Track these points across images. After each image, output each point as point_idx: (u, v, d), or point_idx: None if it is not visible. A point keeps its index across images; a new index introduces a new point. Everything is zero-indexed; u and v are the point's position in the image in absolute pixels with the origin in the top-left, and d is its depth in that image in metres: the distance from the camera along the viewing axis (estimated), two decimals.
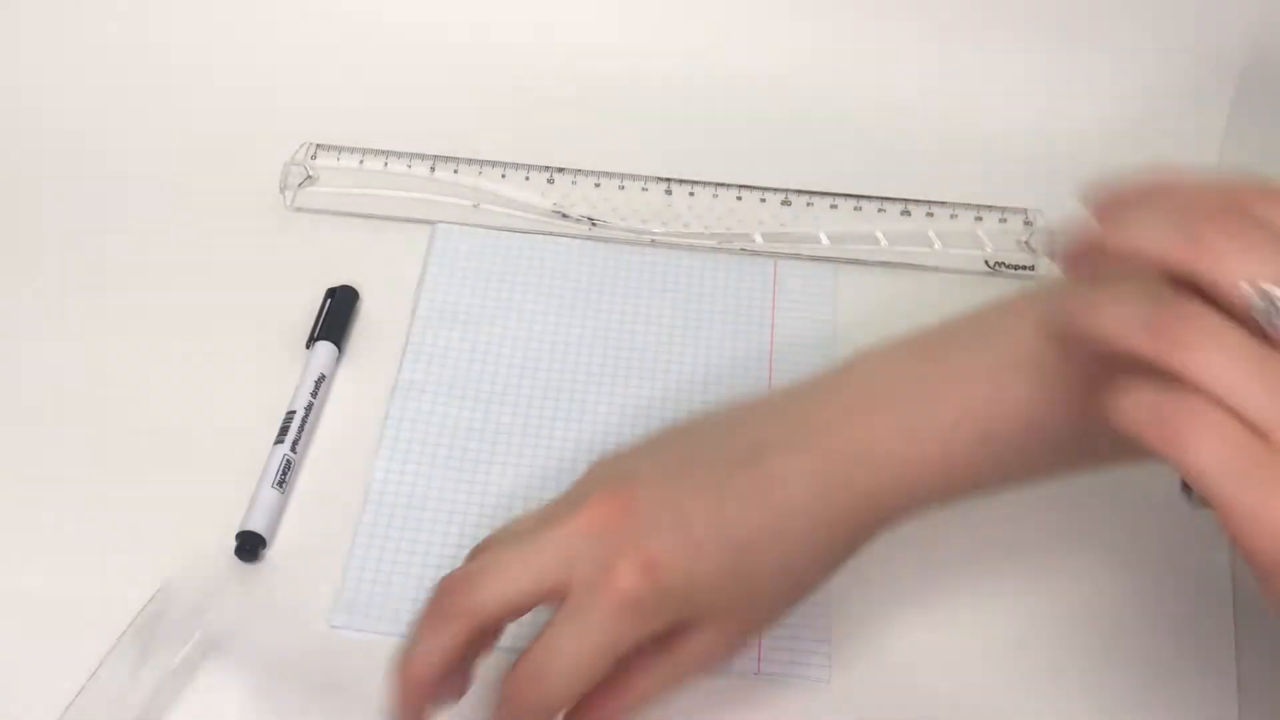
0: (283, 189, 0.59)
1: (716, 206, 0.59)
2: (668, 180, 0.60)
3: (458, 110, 0.63)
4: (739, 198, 0.60)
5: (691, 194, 0.60)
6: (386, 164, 0.60)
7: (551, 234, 0.59)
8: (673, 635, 0.40)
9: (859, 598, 0.49)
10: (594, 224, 0.59)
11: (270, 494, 0.50)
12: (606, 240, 0.59)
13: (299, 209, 0.59)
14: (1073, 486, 0.51)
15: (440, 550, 0.50)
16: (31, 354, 0.55)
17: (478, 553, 0.42)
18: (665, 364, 0.55)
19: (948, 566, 0.50)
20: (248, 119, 0.62)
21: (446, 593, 0.40)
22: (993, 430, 0.39)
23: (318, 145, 0.60)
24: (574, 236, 0.59)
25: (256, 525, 0.49)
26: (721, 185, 0.60)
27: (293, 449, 0.51)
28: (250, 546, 0.49)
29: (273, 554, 0.49)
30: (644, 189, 0.60)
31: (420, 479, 0.52)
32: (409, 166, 0.60)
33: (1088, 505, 0.51)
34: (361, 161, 0.60)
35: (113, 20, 0.65)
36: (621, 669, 0.40)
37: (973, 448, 0.40)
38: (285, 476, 0.51)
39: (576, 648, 0.38)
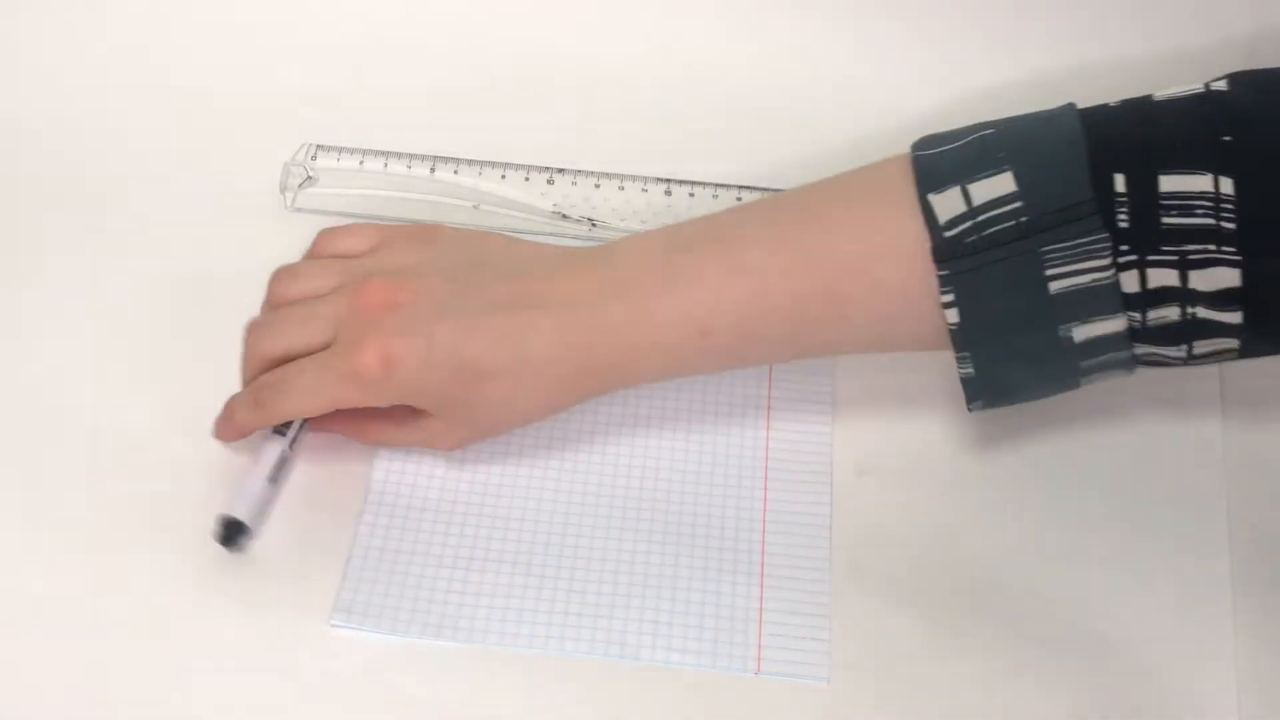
0: (283, 190, 0.59)
1: (717, 207, 0.59)
2: (667, 181, 0.60)
3: (458, 111, 0.63)
4: (739, 198, 0.60)
5: (691, 194, 0.60)
6: (386, 165, 0.60)
7: (552, 234, 0.59)
8: (407, 410, 0.49)
9: (858, 599, 0.49)
10: (594, 225, 0.59)
11: (260, 484, 0.50)
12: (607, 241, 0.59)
13: (299, 209, 0.59)
14: (1072, 489, 0.52)
15: (440, 550, 0.50)
16: (31, 353, 0.54)
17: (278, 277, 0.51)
18: None
19: (947, 567, 0.50)
20: (248, 120, 0.62)
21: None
22: (710, 327, 0.46)
23: (318, 146, 0.60)
24: (574, 237, 0.59)
25: (240, 513, 0.49)
26: (722, 186, 0.60)
27: (290, 447, 0.51)
28: (232, 535, 0.48)
29: (272, 554, 0.49)
30: (644, 189, 0.60)
31: (420, 478, 0.52)
32: (409, 167, 0.60)
33: (1088, 506, 0.52)
34: (361, 162, 0.60)
35: (113, 21, 0.65)
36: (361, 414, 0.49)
37: (691, 341, 0.47)
38: (279, 474, 0.50)
39: (309, 388, 0.48)
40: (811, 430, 0.53)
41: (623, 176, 0.60)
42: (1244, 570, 0.49)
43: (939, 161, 0.45)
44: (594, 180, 0.60)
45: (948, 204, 0.44)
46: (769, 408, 0.54)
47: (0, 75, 0.63)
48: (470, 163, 0.60)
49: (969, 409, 0.48)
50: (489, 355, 0.47)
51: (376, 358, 0.46)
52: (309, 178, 0.59)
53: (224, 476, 0.51)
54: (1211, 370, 0.54)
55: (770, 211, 0.48)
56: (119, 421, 0.53)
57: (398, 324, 0.47)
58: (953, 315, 0.44)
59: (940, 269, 0.44)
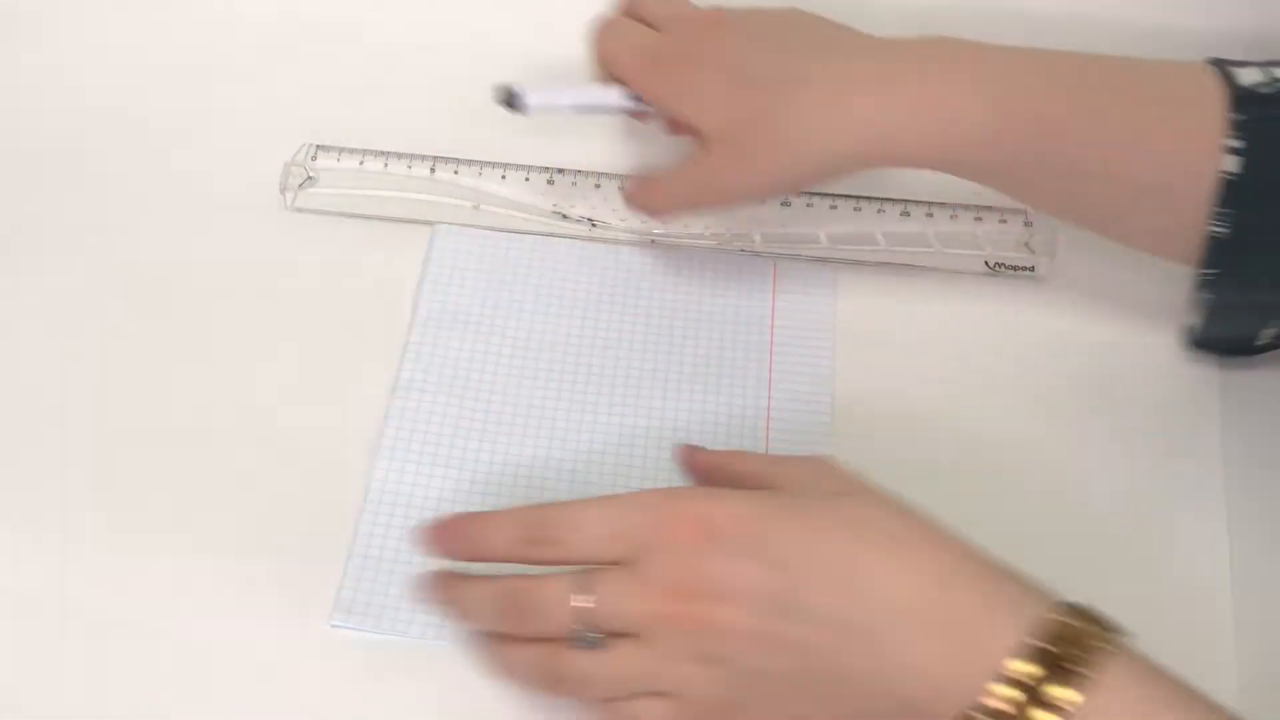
0: (283, 190, 0.59)
1: None
2: None
3: (459, 112, 0.62)
4: None
5: None
6: (387, 165, 0.60)
7: (552, 235, 0.59)
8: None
9: None
10: (594, 225, 0.59)
11: (572, 95, 0.55)
12: (607, 241, 0.59)
13: (299, 210, 0.59)
14: (1072, 489, 0.52)
15: None
16: (30, 353, 0.55)
17: None
18: (665, 364, 0.55)
19: None
20: (248, 120, 0.62)
21: None
22: (1002, 99, 0.47)
23: (318, 146, 0.60)
24: (574, 237, 0.59)
25: (530, 88, 0.54)
26: None
27: (623, 101, 0.54)
28: (512, 100, 0.54)
29: (272, 554, 0.50)
30: None
31: (420, 479, 0.52)
32: (409, 167, 0.60)
33: (1087, 505, 0.51)
34: (362, 162, 0.60)
35: (113, 21, 0.65)
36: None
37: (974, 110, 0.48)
38: (590, 105, 0.55)
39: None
40: (812, 431, 0.53)
41: (624, 176, 0.60)
42: (1244, 570, 0.49)
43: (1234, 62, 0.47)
44: (594, 180, 0.60)
45: (1247, 75, 0.46)
46: (769, 408, 0.54)
47: (1, 76, 0.63)
48: (470, 163, 0.60)
49: (1200, 284, 0.48)
50: (799, 97, 0.48)
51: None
52: (309, 178, 0.59)
53: (223, 471, 0.51)
54: (1211, 368, 0.54)
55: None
56: (118, 420, 0.53)
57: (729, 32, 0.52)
58: (1233, 164, 0.45)
59: (1234, 114, 0.45)
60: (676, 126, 0.55)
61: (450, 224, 0.59)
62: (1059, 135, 0.47)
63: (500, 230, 0.59)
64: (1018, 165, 0.48)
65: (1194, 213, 0.46)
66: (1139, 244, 0.51)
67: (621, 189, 0.55)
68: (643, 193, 0.54)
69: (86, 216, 0.59)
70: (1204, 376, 0.54)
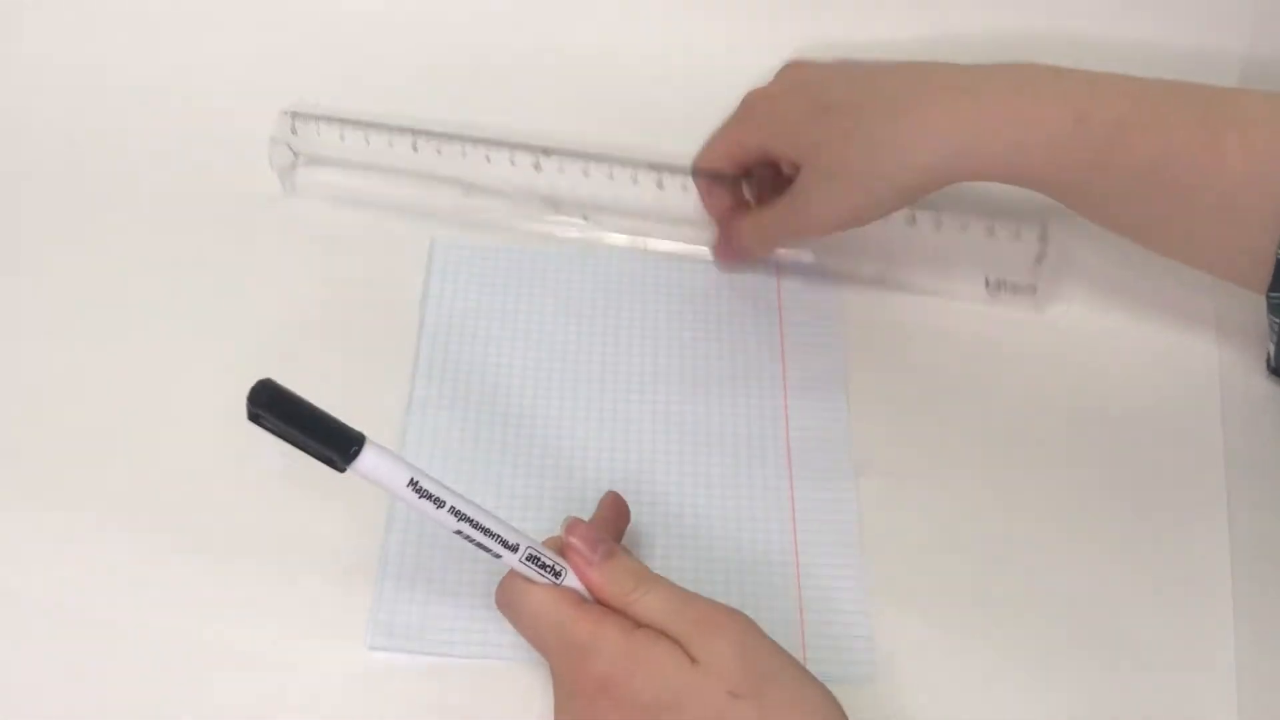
0: (272, 165, 0.57)
1: None
2: (658, 171, 0.58)
3: (458, 108, 0.61)
4: None
5: (684, 188, 0.58)
6: (373, 142, 0.57)
7: (549, 234, 0.58)
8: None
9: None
10: (586, 218, 0.57)
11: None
12: (606, 241, 0.58)
13: (294, 194, 0.58)
14: (1072, 489, 0.53)
15: (472, 564, 0.48)
16: (34, 352, 0.53)
17: None
18: (679, 371, 0.55)
19: (947, 568, 0.51)
20: (247, 115, 0.59)
21: None
22: (1088, 112, 0.49)
23: (294, 114, 0.57)
24: (575, 239, 0.58)
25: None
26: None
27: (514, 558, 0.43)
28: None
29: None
30: (634, 180, 0.58)
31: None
32: (390, 145, 0.57)
33: (1087, 506, 0.53)
34: (342, 137, 0.57)
35: (110, 19, 0.63)
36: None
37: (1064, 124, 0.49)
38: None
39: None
40: (830, 427, 0.54)
41: (611, 161, 0.58)
42: (1244, 570, 0.51)
43: None
44: (581, 165, 0.58)
45: None
46: (786, 413, 0.54)
47: None
48: (459, 139, 0.57)
49: (1272, 308, 0.50)
50: (889, 114, 0.50)
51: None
52: (295, 155, 0.57)
53: (222, 470, 0.49)
54: (1212, 370, 0.56)
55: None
56: (118, 418, 0.51)
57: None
58: None
59: None
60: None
61: (448, 234, 0.58)
62: (1133, 147, 0.48)
63: (495, 228, 0.58)
64: (1091, 177, 0.49)
65: (1263, 235, 0.48)
66: (1206, 265, 0.53)
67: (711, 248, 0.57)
68: (739, 233, 0.56)
69: (81, 212, 0.57)
70: (1204, 378, 0.56)
